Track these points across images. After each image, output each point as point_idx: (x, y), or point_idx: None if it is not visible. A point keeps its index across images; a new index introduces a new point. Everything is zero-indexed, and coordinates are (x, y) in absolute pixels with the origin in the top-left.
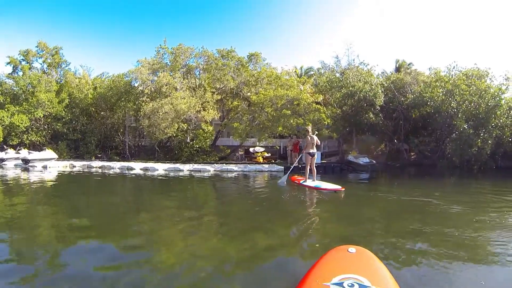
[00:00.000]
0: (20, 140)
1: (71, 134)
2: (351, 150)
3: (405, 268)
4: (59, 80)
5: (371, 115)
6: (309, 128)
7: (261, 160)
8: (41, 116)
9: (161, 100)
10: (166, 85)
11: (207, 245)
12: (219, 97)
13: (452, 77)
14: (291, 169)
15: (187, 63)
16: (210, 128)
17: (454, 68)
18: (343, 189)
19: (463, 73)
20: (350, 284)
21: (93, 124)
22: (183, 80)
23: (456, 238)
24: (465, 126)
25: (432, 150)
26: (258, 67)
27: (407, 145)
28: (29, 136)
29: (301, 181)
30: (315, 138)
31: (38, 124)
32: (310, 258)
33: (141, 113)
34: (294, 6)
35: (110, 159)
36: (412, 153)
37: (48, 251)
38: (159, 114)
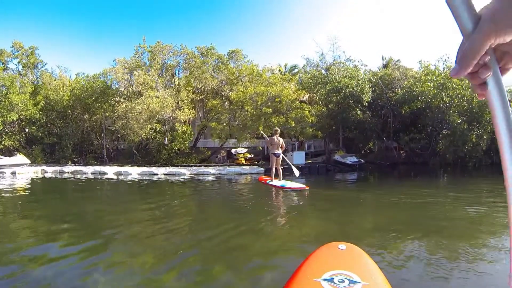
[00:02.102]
0: None
1: (46, 138)
2: (337, 149)
3: (394, 265)
4: (35, 82)
5: (358, 112)
6: (278, 129)
7: (244, 161)
8: (15, 120)
9: (135, 100)
10: (142, 84)
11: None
12: (195, 96)
13: (444, 70)
14: (292, 165)
15: (166, 62)
16: (188, 129)
17: (446, 60)
18: (308, 188)
19: None
20: (340, 280)
21: (70, 127)
22: (159, 78)
23: (451, 240)
24: (459, 121)
25: (423, 148)
26: (240, 65)
27: (396, 143)
28: (2, 141)
29: (267, 181)
30: (281, 140)
31: (12, 128)
32: (298, 257)
33: (115, 114)
34: (277, 3)
35: (87, 164)
36: (402, 151)
37: None
38: (132, 115)
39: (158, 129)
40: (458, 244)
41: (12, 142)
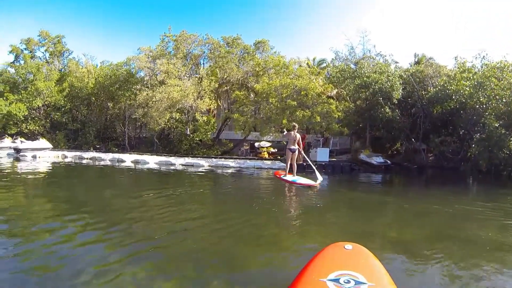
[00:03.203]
0: (19, 129)
1: (70, 124)
2: (363, 148)
3: (402, 266)
4: (62, 69)
5: (387, 110)
6: (296, 125)
7: (267, 155)
8: (40, 105)
9: (157, 88)
10: (165, 73)
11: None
12: (219, 86)
13: (481, 68)
14: (314, 168)
15: (191, 51)
16: (211, 119)
17: (484, 57)
18: (317, 185)
19: (494, 65)
20: (346, 281)
21: (94, 114)
22: (182, 67)
23: (475, 256)
24: (496, 125)
25: (453, 151)
26: (266, 56)
27: (425, 145)
28: (27, 126)
29: (281, 176)
30: (298, 136)
31: (37, 113)
32: (306, 254)
33: (136, 102)
34: None
35: (108, 150)
36: (430, 154)
37: None
38: (152, 103)
39: (179, 118)
40: (481, 262)
41: (37, 127)
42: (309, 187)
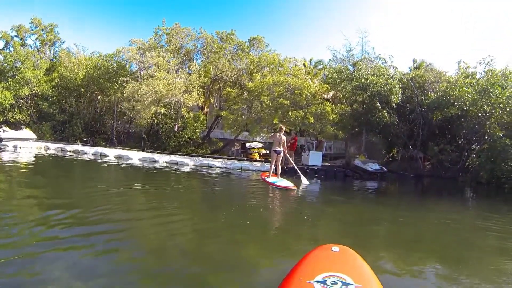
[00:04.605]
0: (4, 118)
1: (58, 115)
2: (359, 153)
3: (388, 267)
4: (53, 59)
5: (385, 114)
6: (283, 127)
7: (257, 157)
8: (27, 95)
9: (144, 81)
10: (156, 66)
11: None
12: (211, 83)
13: (486, 74)
14: (299, 171)
15: (184, 45)
16: (201, 116)
17: (488, 63)
18: (295, 188)
19: (498, 71)
20: (333, 282)
21: (82, 106)
22: (172, 60)
23: (468, 270)
24: (500, 135)
25: (452, 161)
26: (261, 53)
27: (422, 153)
28: (14, 115)
29: (265, 177)
30: (284, 138)
31: (24, 103)
32: (293, 257)
33: (124, 95)
34: None
35: (95, 144)
36: (427, 163)
37: None
38: (137, 96)
39: (167, 114)
40: (474, 276)
41: (24, 117)
42: (287, 189)
